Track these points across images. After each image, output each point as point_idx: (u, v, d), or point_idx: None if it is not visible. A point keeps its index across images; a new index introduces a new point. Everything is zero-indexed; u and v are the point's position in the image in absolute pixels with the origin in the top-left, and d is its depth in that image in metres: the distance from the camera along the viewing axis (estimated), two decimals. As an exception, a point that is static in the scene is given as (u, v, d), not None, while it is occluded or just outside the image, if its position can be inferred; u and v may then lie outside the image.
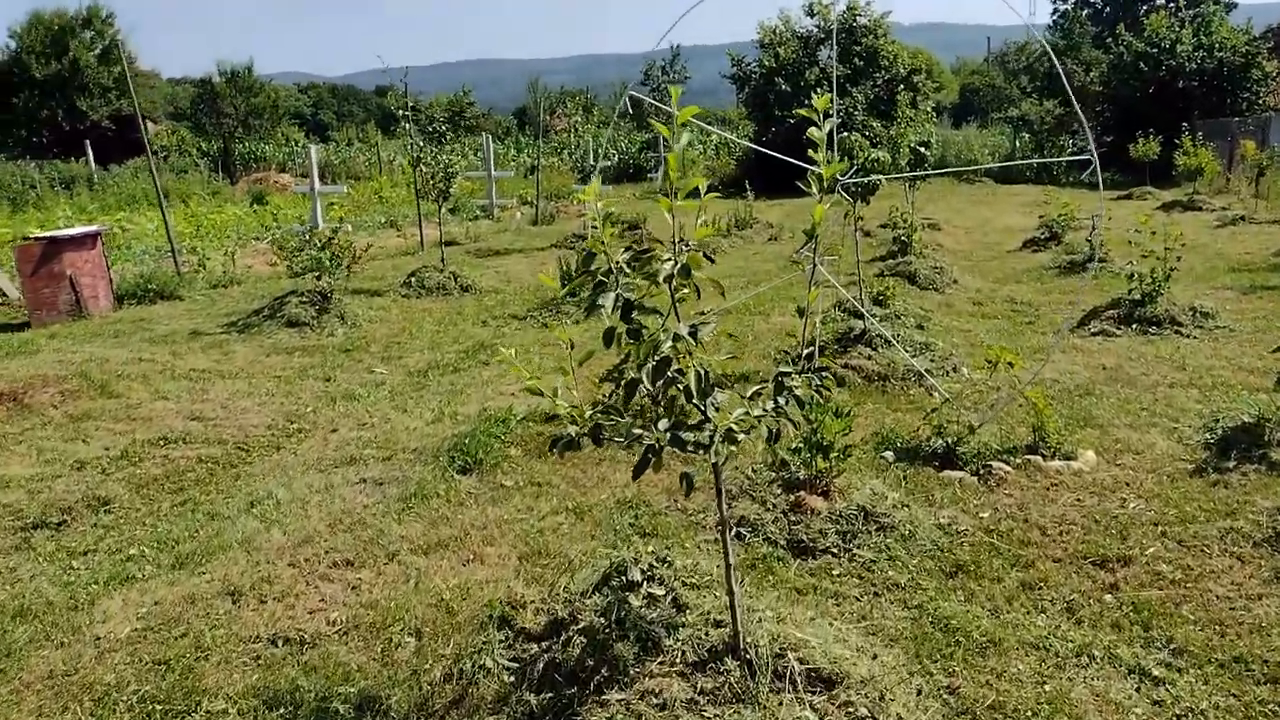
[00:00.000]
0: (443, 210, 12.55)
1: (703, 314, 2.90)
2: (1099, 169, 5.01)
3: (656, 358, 2.49)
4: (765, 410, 2.77)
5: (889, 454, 5.25)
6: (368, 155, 40.27)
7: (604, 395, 2.86)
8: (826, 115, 3.04)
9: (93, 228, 10.71)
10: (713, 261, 2.69)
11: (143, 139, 14.76)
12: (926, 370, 6.70)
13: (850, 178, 6.78)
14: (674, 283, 2.54)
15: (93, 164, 32.73)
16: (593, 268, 2.69)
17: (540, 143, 28.64)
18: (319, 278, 9.88)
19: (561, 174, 31.48)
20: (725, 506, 3.00)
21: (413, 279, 12.04)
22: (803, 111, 3.11)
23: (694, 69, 44.27)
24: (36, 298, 10.11)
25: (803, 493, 4.37)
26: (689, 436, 2.64)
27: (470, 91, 60.64)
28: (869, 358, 6.94)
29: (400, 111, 12.21)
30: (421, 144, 11.68)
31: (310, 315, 9.64)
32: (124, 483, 5.14)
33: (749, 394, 2.85)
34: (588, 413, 2.74)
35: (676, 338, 2.50)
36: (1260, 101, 30.51)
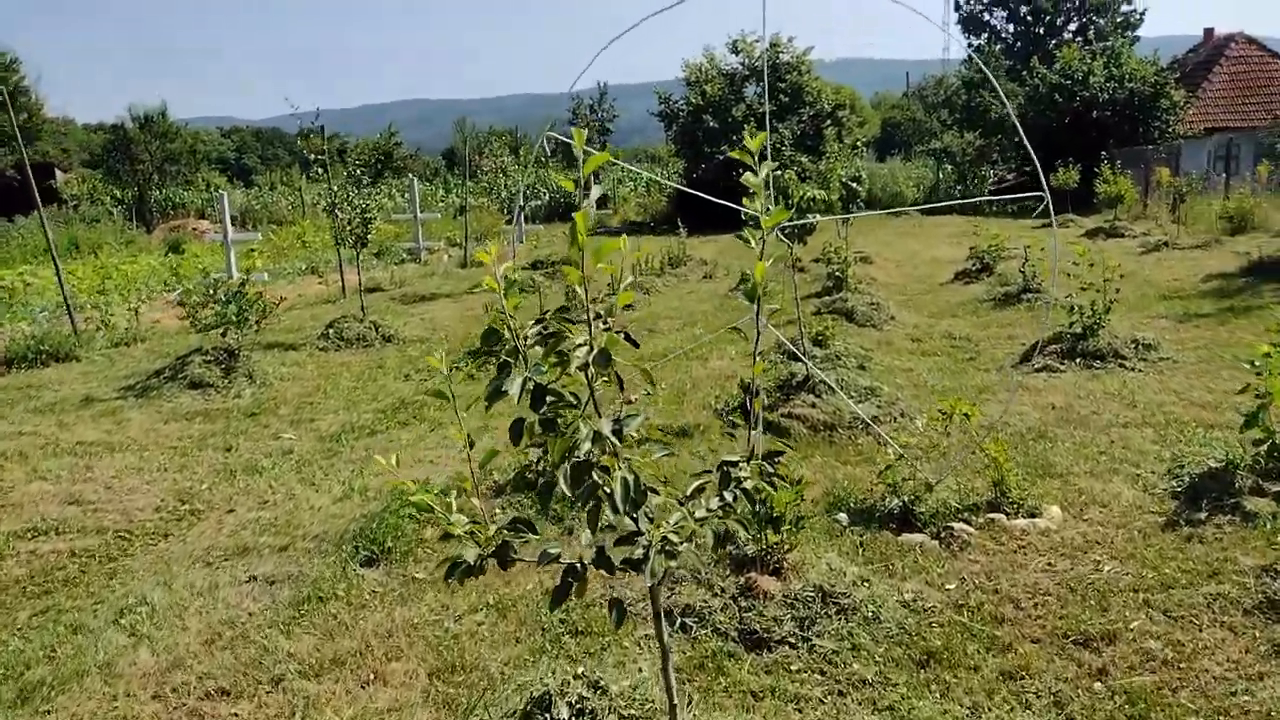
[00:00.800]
0: (360, 256, 11.95)
1: (629, 401, 2.44)
2: (1051, 205, 4.72)
3: (574, 459, 2.01)
4: (709, 510, 2.32)
5: (842, 516, 4.84)
6: (291, 199, 39.27)
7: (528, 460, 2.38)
8: (762, 157, 2.62)
9: (-26, 287, 9.88)
10: (636, 345, 2.24)
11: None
12: (874, 418, 6.34)
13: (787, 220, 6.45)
14: (590, 371, 2.08)
15: (41, 213, 31.20)
16: (495, 347, 2.22)
17: (469, 183, 28.13)
18: (225, 334, 9.21)
19: (491, 214, 30.99)
20: (666, 631, 2.53)
21: (331, 330, 11.40)
22: (735, 154, 2.69)
23: (623, 107, 44.35)
24: (-91, 365, 9.23)
25: (753, 573, 3.92)
26: (618, 554, 2.17)
27: (397, 133, 59.95)
28: (813, 405, 6.56)
29: (313, 156, 11.62)
30: (335, 188, 11.10)
31: (216, 375, 8.95)
32: (-23, 588, 4.46)
33: (688, 490, 2.39)
34: (491, 530, 2.24)
35: (597, 436, 2.03)
36: (1170, 130, 31.50)
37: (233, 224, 34.80)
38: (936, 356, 9.24)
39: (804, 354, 6.94)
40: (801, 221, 6.41)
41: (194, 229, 33.72)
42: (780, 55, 32.42)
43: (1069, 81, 33.51)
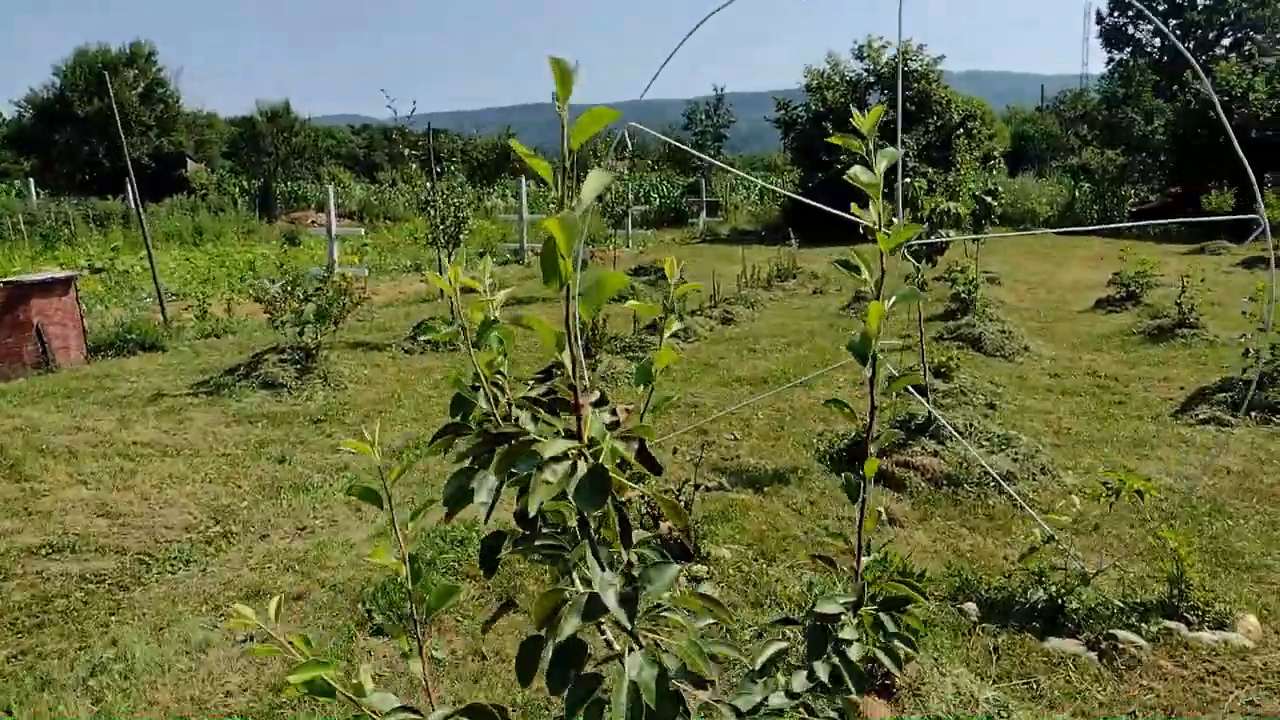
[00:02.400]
0: (453, 255, 11.47)
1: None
2: (1269, 231, 3.70)
3: (560, 638, 1.20)
4: (791, 695, 1.48)
5: (971, 608, 3.90)
6: (408, 196, 39.79)
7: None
8: (880, 148, 1.74)
9: (65, 272, 9.77)
10: (657, 469, 1.42)
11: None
12: (1008, 474, 5.34)
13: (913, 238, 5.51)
14: (589, 516, 1.25)
15: (132, 201, 32.54)
16: (462, 420, 1.46)
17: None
18: (301, 333, 8.79)
19: (598, 217, 30.63)
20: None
21: (416, 333, 10.93)
22: (838, 139, 1.81)
23: (739, 114, 43.40)
24: (-3, 348, 9.14)
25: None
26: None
27: (515, 134, 60.74)
28: (935, 453, 5.59)
29: (407, 151, 11.19)
30: (430, 185, 10.63)
31: (289, 376, 8.53)
32: (-33, 614, 3.97)
33: (759, 658, 1.56)
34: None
35: (593, 607, 1.19)
36: (1341, 152, 28.73)
37: (350, 219, 35.45)
38: (1078, 397, 8.07)
39: (926, 389, 5.97)
40: (931, 241, 5.46)
41: (311, 221, 34.45)
42: (909, 62, 30.98)
43: (1225, 98, 30.97)
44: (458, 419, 1.50)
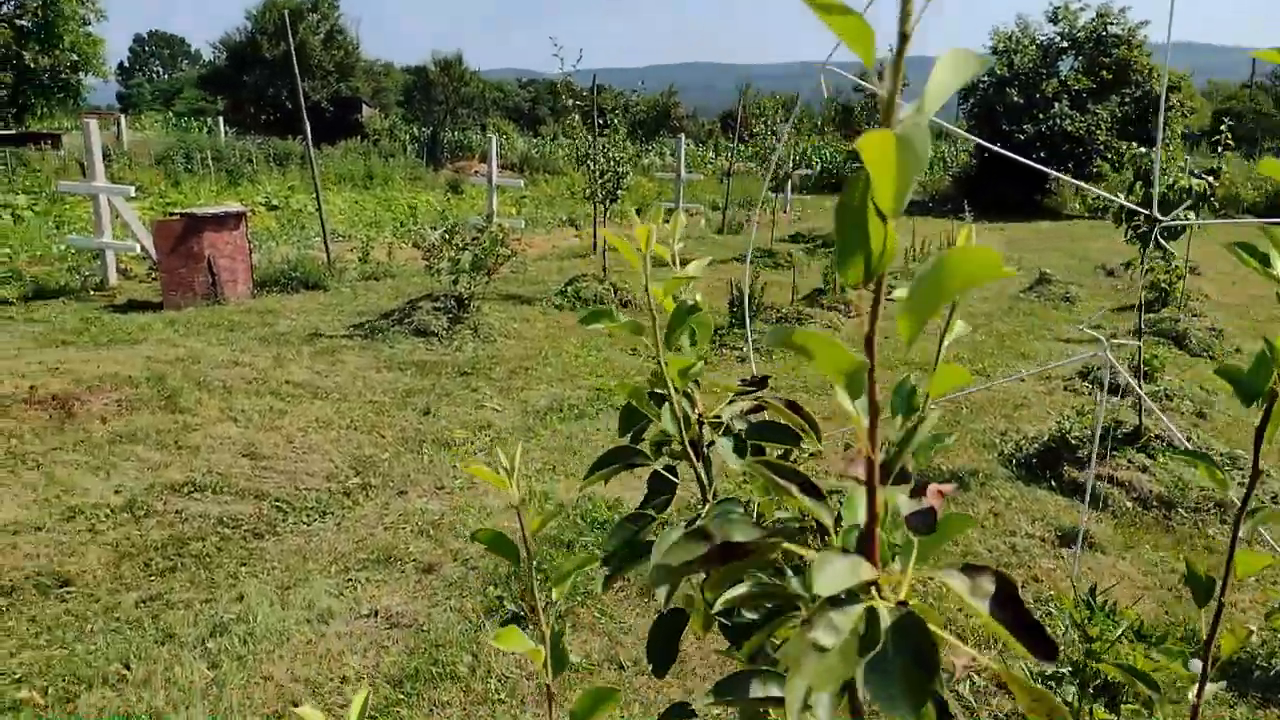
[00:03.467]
0: (609, 211, 11.16)
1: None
2: None
3: None
4: None
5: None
6: (568, 150, 40.03)
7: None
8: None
9: (236, 207, 10.02)
10: (1032, 637, 0.94)
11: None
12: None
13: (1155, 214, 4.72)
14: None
15: (310, 142, 33.99)
16: (636, 438, 1.04)
17: (740, 146, 27.04)
18: (456, 281, 8.68)
19: (756, 180, 29.83)
20: None
21: (569, 288, 10.73)
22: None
23: (912, 77, 41.20)
24: (172, 278, 9.46)
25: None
26: None
27: (677, 92, 59.93)
28: (1144, 469, 4.85)
29: (571, 101, 10.91)
30: (590, 139, 10.31)
31: (441, 324, 8.44)
32: (107, 550, 3.93)
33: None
34: None
35: None
36: None
37: (511, 170, 35.90)
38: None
39: (1141, 394, 5.19)
40: (1174, 222, 4.66)
41: (475, 170, 35.12)
42: (1108, 26, 28.53)
43: None
44: (627, 439, 1.07)
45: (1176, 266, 11.34)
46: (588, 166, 10.39)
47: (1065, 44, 29.17)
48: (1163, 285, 11.27)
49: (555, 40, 10.85)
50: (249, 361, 7.14)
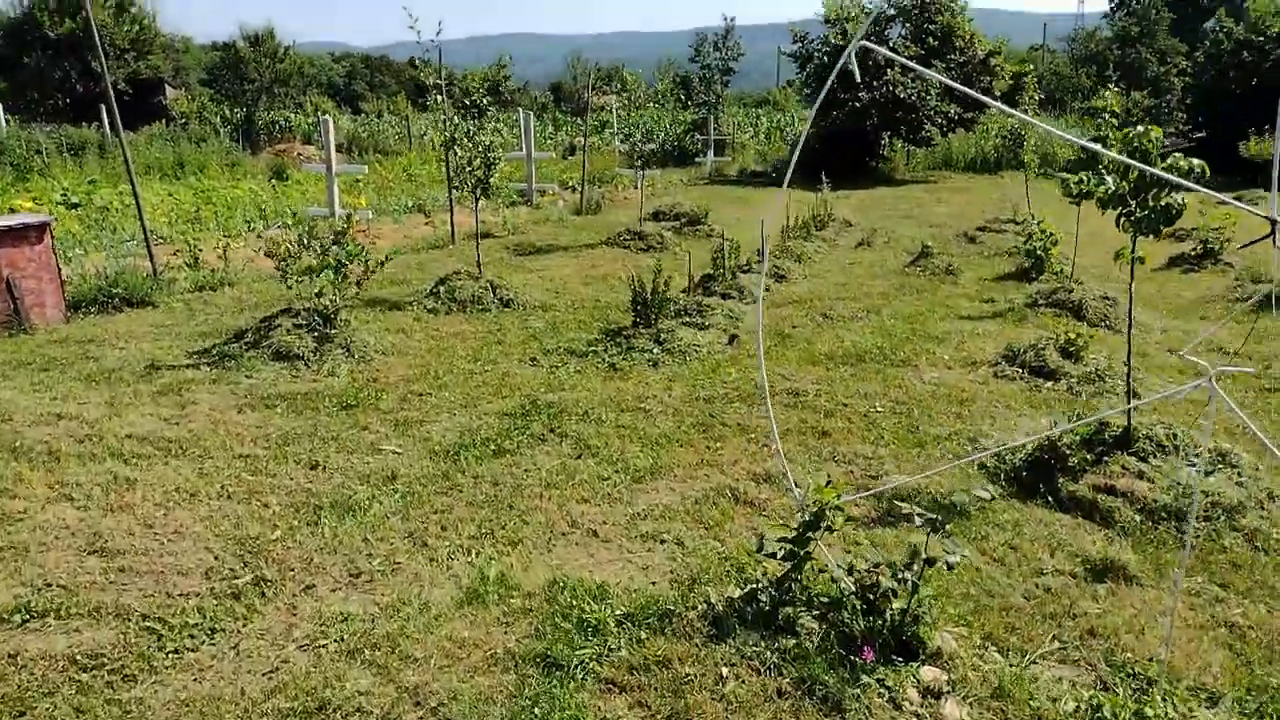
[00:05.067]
0: (479, 204, 10.18)
1: None
2: None
3: None
4: None
5: (1227, 703, 2.83)
6: (398, 129, 37.94)
7: None
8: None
9: (38, 216, 8.43)
10: None
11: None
12: (1239, 504, 4.24)
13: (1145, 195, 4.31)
14: None
15: (107, 130, 30.63)
16: None
17: (583, 121, 26.19)
18: (319, 294, 7.55)
19: (605, 155, 29.13)
20: None
21: (441, 289, 9.70)
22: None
23: (746, 48, 41.38)
24: (-41, 307, 7.86)
25: None
26: None
27: (507, 64, 58.23)
28: (1140, 474, 4.49)
29: (432, 81, 9.82)
30: (456, 122, 9.28)
31: (306, 345, 7.31)
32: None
33: None
34: None
35: None
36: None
37: (340, 152, 33.71)
38: (1232, 382, 6.99)
39: (1131, 388, 4.81)
40: (1163, 206, 4.25)
41: (298, 154, 32.71)
42: (932, -7, 29.36)
43: (1260, 39, 29.59)
44: None
45: (1050, 233, 11.46)
46: (453, 153, 9.35)
47: (894, 11, 29.82)
48: (1037, 252, 11.37)
49: (409, 11, 9.70)
50: (76, 412, 5.85)
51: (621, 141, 29.72)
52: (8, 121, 29.16)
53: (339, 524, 4.36)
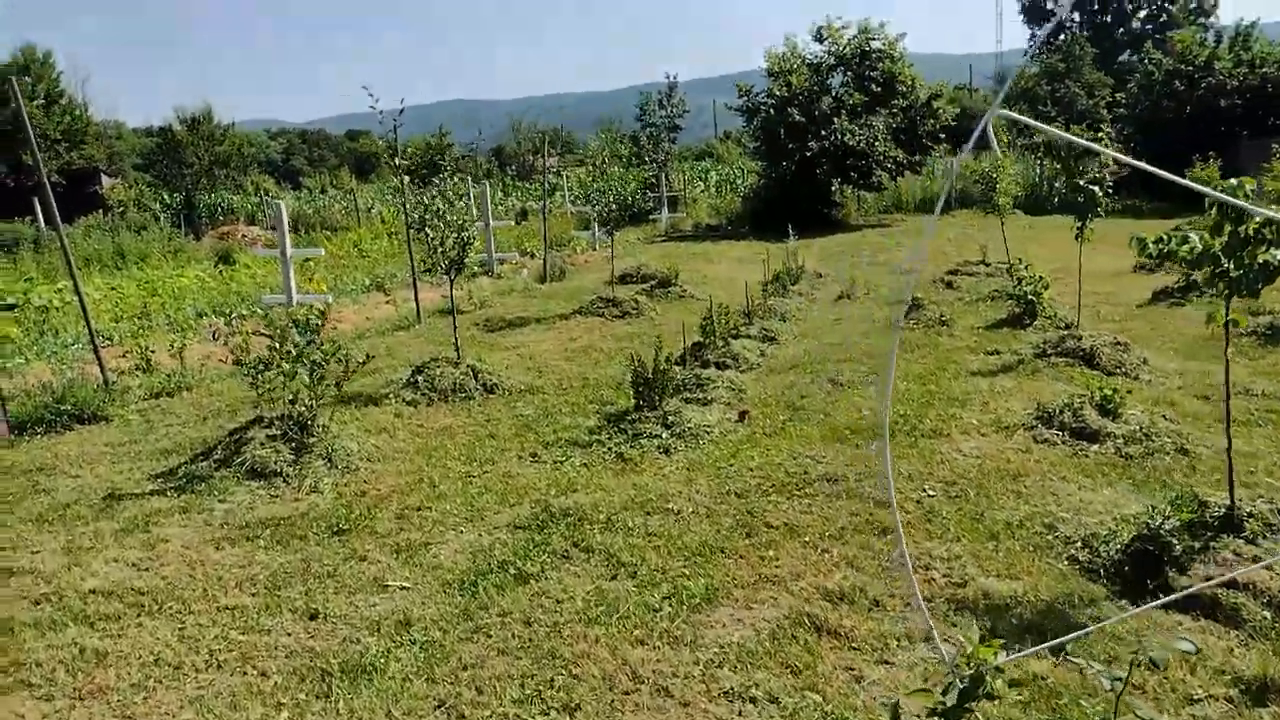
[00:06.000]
0: (453, 284, 9.62)
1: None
2: None
3: None
4: None
5: None
6: (344, 203, 37.34)
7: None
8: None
9: (-26, 334, 7.69)
10: None
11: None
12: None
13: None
14: None
15: (41, 224, 29.56)
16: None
17: (536, 184, 25.87)
18: (294, 400, 6.90)
19: (559, 219, 28.79)
20: None
21: (420, 378, 9.07)
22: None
23: (692, 103, 41.65)
24: (-112, 441, 7.06)
25: None
26: None
27: (449, 132, 58.02)
28: (1254, 558, 4.03)
29: (396, 160, 9.31)
30: (426, 202, 8.76)
31: (283, 459, 6.64)
32: None
33: None
34: None
35: None
36: (1314, 119, 28.46)
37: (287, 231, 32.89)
38: (1259, 426, 6.63)
39: (1232, 467, 4.35)
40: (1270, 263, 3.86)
41: (243, 236, 31.88)
42: (871, 41, 29.75)
43: (1189, 69, 30.44)
44: None
45: (1041, 277, 11.21)
46: (425, 234, 8.81)
47: (834, 61, 30.13)
48: (1028, 297, 11.09)
49: (369, 90, 9.21)
50: (29, 564, 5.11)
51: (579, 204, 29.42)
52: (-66, 221, 27.99)
53: (354, 694, 3.71)
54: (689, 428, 7.12)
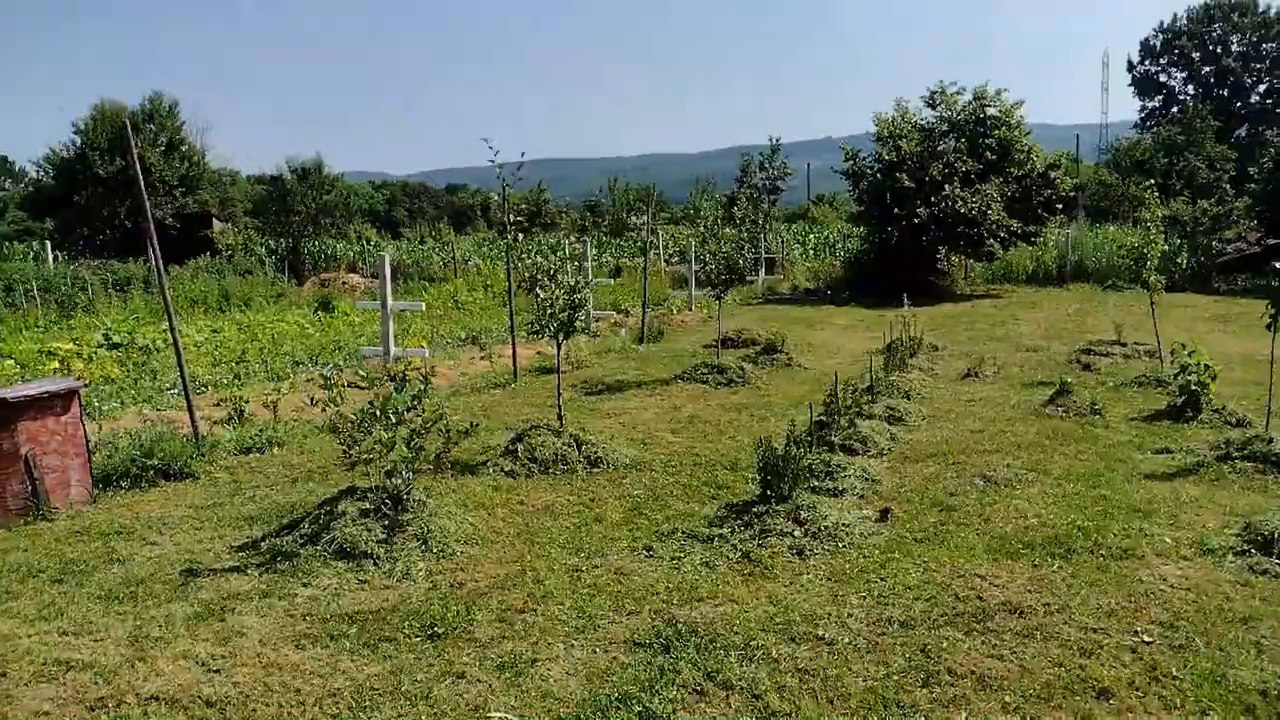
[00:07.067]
0: (561, 348, 9.01)
1: None
2: None
3: None
4: None
5: None
6: (442, 254, 37.66)
7: None
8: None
9: (64, 382, 7.31)
10: None
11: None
12: None
13: None
14: None
15: (154, 264, 30.46)
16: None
17: (629, 241, 25.44)
18: (390, 474, 6.28)
19: (655, 277, 28.28)
20: None
21: (519, 446, 8.42)
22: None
23: (795, 164, 41.17)
24: (-32, 492, 6.67)
25: None
26: None
27: (546, 188, 58.62)
28: None
29: (513, 217, 8.79)
30: (539, 261, 8.19)
31: (375, 537, 6.00)
32: None
33: None
34: None
35: None
36: None
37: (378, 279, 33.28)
38: None
39: None
40: None
41: (344, 282, 32.27)
42: (986, 108, 28.78)
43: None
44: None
45: (1207, 365, 10.01)
46: (535, 295, 8.23)
47: (946, 127, 29.22)
48: (1192, 386, 9.91)
49: (489, 142, 8.78)
50: (89, 657, 4.51)
51: (675, 262, 28.93)
52: (55, 259, 29.05)
53: None
54: (824, 526, 6.24)
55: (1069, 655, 4.24)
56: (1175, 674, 4.04)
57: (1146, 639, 4.40)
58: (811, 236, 41.23)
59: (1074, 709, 3.76)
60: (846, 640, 4.51)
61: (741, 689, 4.11)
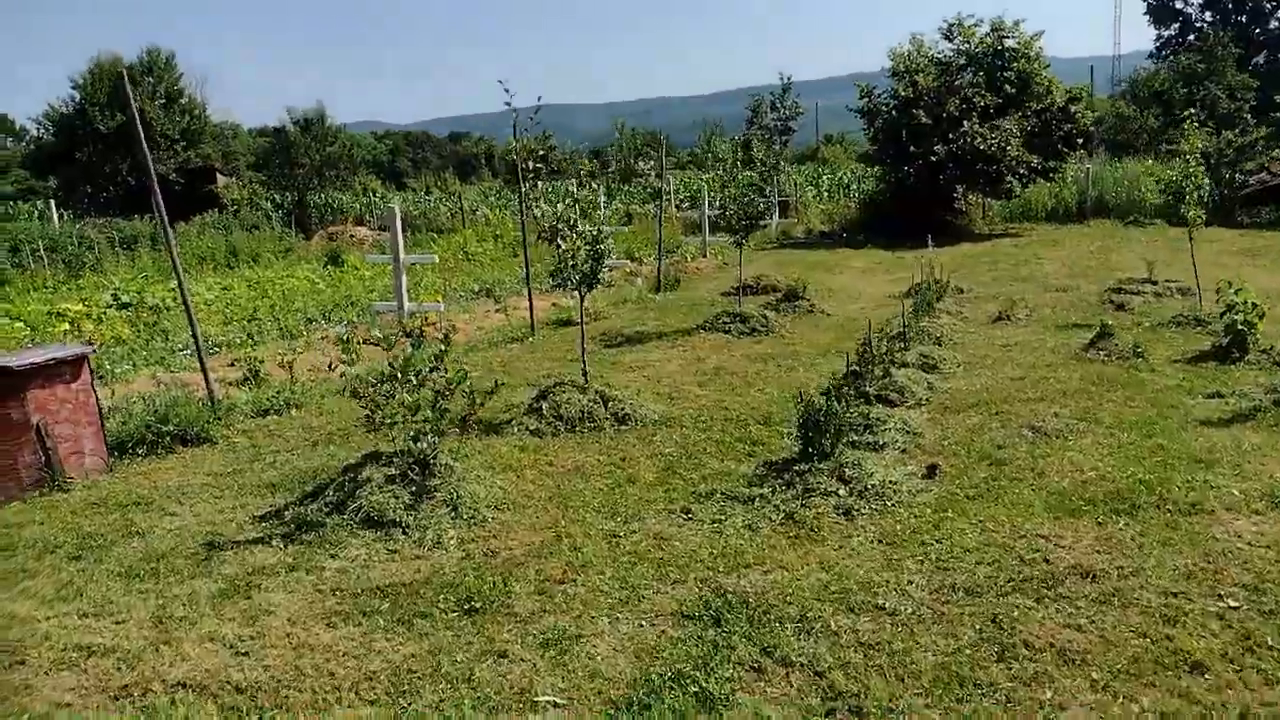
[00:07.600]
0: (584, 300, 8.69)
1: None
2: None
3: None
4: None
5: None
6: (449, 205, 37.12)
7: None
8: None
9: (73, 348, 7.03)
10: None
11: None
12: None
13: None
14: None
15: (165, 222, 30.07)
16: None
17: (638, 188, 24.90)
18: (415, 439, 6.01)
19: (668, 224, 27.79)
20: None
21: (543, 404, 8.15)
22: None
23: (806, 103, 40.12)
24: (-21, 464, 6.44)
25: None
26: None
27: (551, 134, 57.65)
28: None
29: (531, 164, 8.40)
30: (560, 210, 7.83)
31: (401, 504, 5.75)
32: None
33: None
34: None
35: None
36: None
37: (386, 231, 32.96)
38: None
39: None
40: None
41: (352, 235, 31.86)
42: (1005, 40, 27.88)
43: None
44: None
45: (1255, 304, 9.62)
46: (556, 245, 7.89)
47: (964, 60, 28.35)
48: (1238, 326, 9.53)
49: (504, 83, 8.35)
50: (111, 641, 4.29)
51: (685, 208, 28.39)
52: (60, 218, 28.69)
53: None
54: (870, 484, 5.96)
55: (1152, 624, 3.97)
56: (1271, 644, 3.77)
57: (1232, 604, 4.12)
58: (825, 178, 40.46)
59: (1168, 686, 3.50)
60: (909, 610, 4.25)
61: (802, 666, 3.86)
